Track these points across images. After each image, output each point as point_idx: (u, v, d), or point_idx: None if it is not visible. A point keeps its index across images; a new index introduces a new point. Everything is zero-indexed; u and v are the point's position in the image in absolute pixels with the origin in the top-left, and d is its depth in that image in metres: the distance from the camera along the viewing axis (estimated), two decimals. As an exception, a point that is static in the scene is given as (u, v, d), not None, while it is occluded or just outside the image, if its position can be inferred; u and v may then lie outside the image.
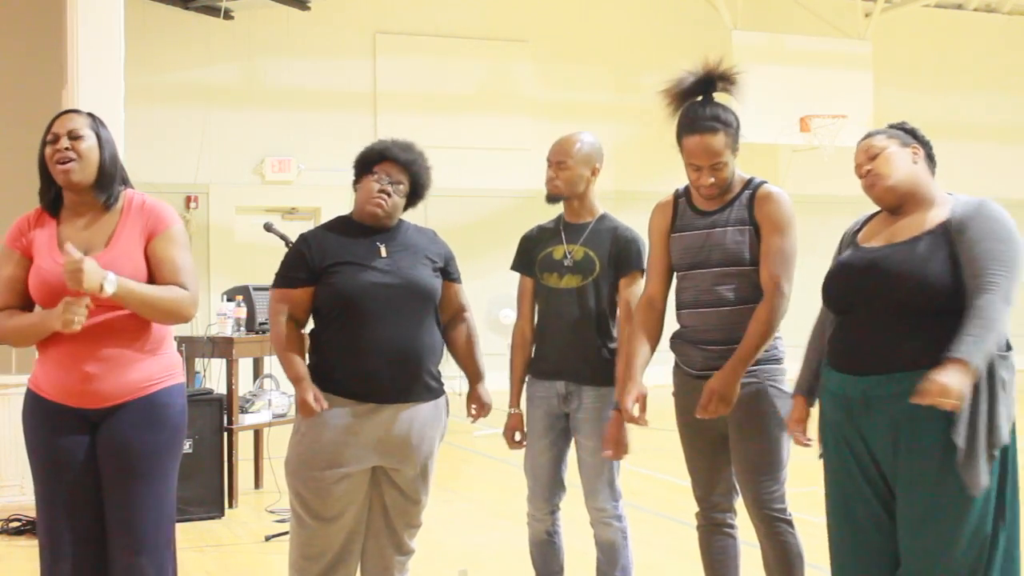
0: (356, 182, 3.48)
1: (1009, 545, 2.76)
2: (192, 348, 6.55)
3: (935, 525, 2.74)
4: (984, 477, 2.69)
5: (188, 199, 12.89)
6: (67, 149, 3.06)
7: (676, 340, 3.49)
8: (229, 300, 6.67)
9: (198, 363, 6.86)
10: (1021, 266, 2.76)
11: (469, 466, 8.29)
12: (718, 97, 3.38)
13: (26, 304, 3.12)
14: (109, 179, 3.12)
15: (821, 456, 3.03)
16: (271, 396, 6.83)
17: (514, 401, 3.91)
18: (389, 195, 3.38)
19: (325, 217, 8.63)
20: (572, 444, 3.86)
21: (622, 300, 3.73)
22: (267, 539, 5.56)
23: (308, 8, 13.47)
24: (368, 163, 3.43)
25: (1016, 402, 2.80)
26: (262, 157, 13.35)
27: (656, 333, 3.52)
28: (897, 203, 2.95)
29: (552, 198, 3.82)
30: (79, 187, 3.09)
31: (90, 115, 3.17)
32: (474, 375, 3.59)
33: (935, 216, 2.89)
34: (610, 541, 3.77)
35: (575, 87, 14.42)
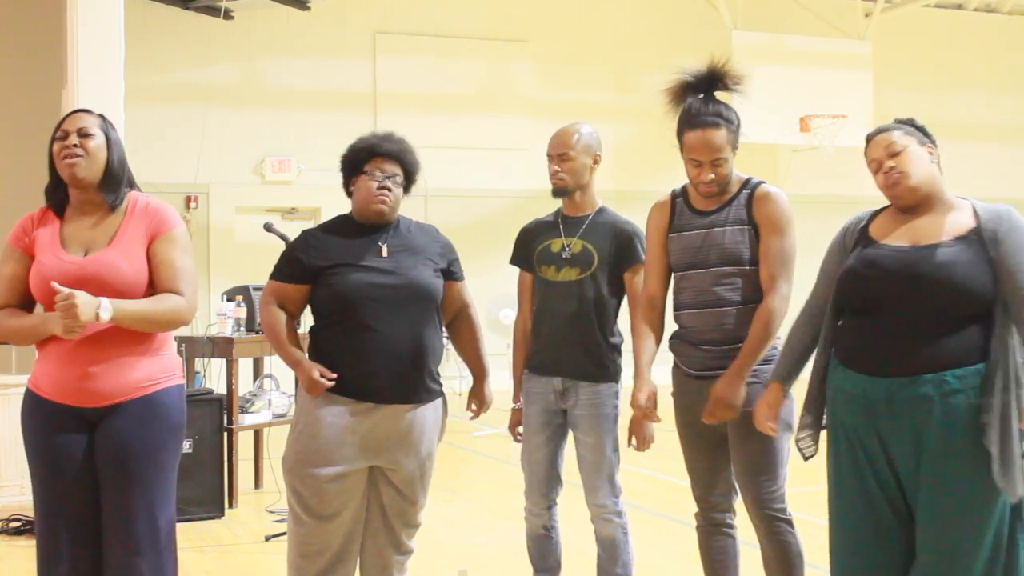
0: (347, 183, 3.47)
1: None
2: (192, 348, 6.55)
3: (961, 528, 2.74)
4: (1021, 483, 2.70)
5: (188, 199, 12.89)
6: (75, 146, 3.07)
7: (675, 340, 3.49)
8: (229, 300, 6.67)
9: (198, 363, 6.86)
10: None
11: (469, 466, 8.29)
12: (719, 96, 3.39)
13: (27, 302, 3.12)
14: (116, 180, 3.13)
15: (832, 452, 2.99)
16: (271, 396, 6.83)
17: (516, 397, 3.91)
18: (390, 189, 3.38)
19: (325, 217, 8.65)
20: (569, 440, 3.86)
21: (631, 292, 3.74)
22: (267, 539, 5.56)
23: (308, 8, 13.47)
24: (358, 163, 3.42)
25: None
26: (262, 157, 13.35)
27: (659, 329, 3.53)
28: (916, 203, 2.92)
29: (558, 192, 3.82)
30: (84, 184, 3.09)
31: (100, 116, 3.20)
32: (478, 371, 3.59)
33: (959, 221, 2.88)
34: (611, 537, 3.77)
35: (575, 87, 14.42)
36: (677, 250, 3.45)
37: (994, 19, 16.68)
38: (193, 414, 5.14)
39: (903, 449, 2.80)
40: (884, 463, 2.84)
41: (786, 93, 13.87)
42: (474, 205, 13.83)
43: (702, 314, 3.38)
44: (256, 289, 6.66)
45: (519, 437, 3.93)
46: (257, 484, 6.94)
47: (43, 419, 3.07)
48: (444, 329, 3.51)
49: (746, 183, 3.42)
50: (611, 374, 3.77)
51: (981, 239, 2.82)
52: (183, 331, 5.05)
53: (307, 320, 3.50)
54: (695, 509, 3.56)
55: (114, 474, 3.05)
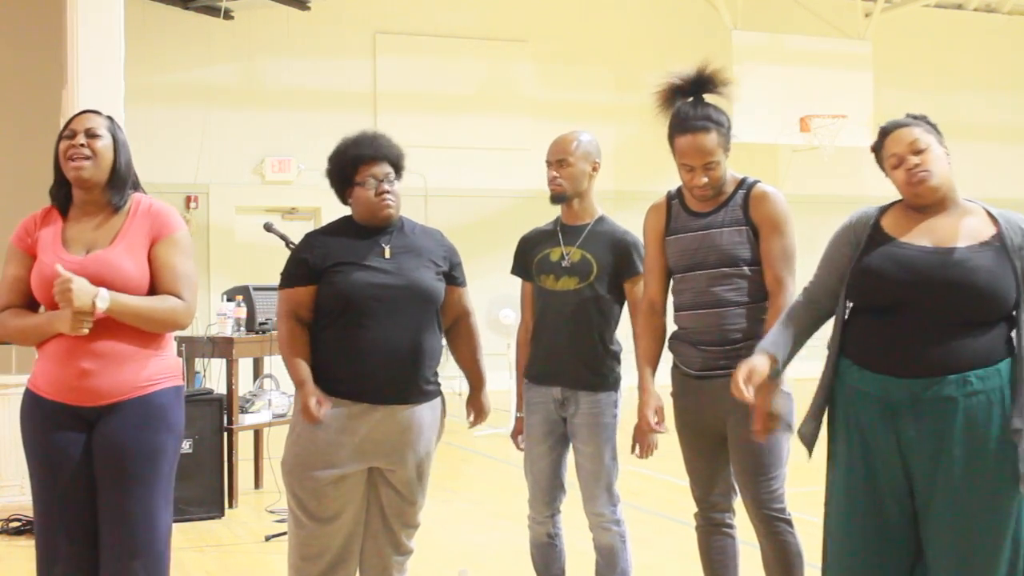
0: (341, 195, 3.47)
1: None
2: (192, 348, 6.55)
3: (981, 529, 2.74)
4: None
5: (188, 199, 12.90)
6: (82, 146, 3.08)
7: (675, 341, 3.50)
8: (229, 300, 6.67)
9: (198, 363, 6.86)
10: None
11: (469, 466, 8.29)
12: (708, 99, 3.39)
13: (30, 303, 3.12)
14: (122, 182, 3.14)
15: (829, 453, 2.97)
16: (271, 396, 6.82)
17: (520, 405, 3.91)
18: (389, 191, 3.38)
19: (325, 217, 8.62)
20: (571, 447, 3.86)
21: (632, 302, 3.74)
22: (267, 539, 5.56)
23: (308, 8, 13.48)
24: (347, 175, 3.42)
25: None
26: (262, 157, 13.36)
27: (661, 336, 3.54)
28: (933, 203, 2.90)
29: (556, 198, 3.81)
30: (89, 185, 3.10)
31: (109, 117, 3.20)
32: (475, 380, 3.59)
33: (978, 225, 2.87)
34: (609, 545, 3.77)
35: (575, 87, 14.42)
36: (675, 253, 3.45)
37: (994, 19, 16.69)
38: (193, 414, 5.16)
39: (922, 450, 2.78)
40: (898, 465, 2.82)
41: (786, 93, 13.89)
42: (474, 205, 13.83)
43: (701, 315, 3.38)
44: (256, 289, 6.66)
45: (522, 446, 3.93)
46: (257, 484, 6.94)
47: (41, 419, 3.07)
48: (443, 333, 3.51)
49: (741, 183, 3.42)
50: (610, 383, 3.76)
51: (1004, 246, 2.82)
52: (183, 331, 5.05)
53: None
54: (695, 509, 3.55)
55: (111, 474, 3.04)
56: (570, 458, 3.85)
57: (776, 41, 14.33)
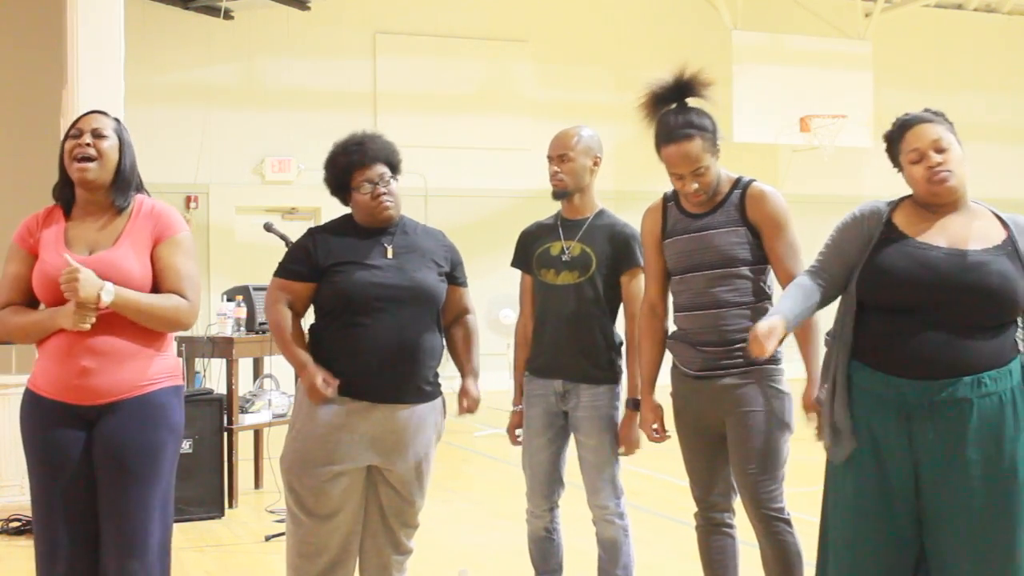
0: (341, 198, 3.47)
1: None
2: (192, 348, 6.55)
3: (998, 527, 2.75)
4: None
5: (188, 199, 12.90)
6: (88, 146, 3.09)
7: (674, 341, 3.50)
8: (229, 300, 6.67)
9: (198, 363, 6.86)
10: None
11: (469, 466, 8.29)
12: (695, 102, 3.39)
13: (30, 302, 3.13)
14: (126, 183, 3.15)
15: (834, 454, 2.94)
16: (271, 396, 6.83)
17: (517, 399, 3.91)
18: (385, 193, 3.38)
19: (325, 217, 8.63)
20: (571, 442, 3.86)
21: (626, 297, 3.74)
22: (267, 539, 5.56)
23: (308, 8, 13.48)
24: (343, 182, 3.42)
25: None
26: (262, 157, 13.36)
27: (662, 338, 3.56)
28: (948, 203, 2.89)
29: (558, 194, 3.82)
30: (94, 185, 3.11)
31: (116, 119, 3.22)
32: (466, 371, 3.53)
33: (989, 228, 2.87)
34: (612, 539, 3.77)
35: (575, 87, 14.42)
36: (672, 255, 3.46)
37: (994, 19, 16.69)
38: (193, 414, 5.16)
39: (937, 452, 2.77)
40: (909, 467, 2.80)
41: (786, 93, 13.89)
42: (474, 205, 13.83)
43: (700, 316, 3.38)
44: (256, 289, 6.66)
45: (518, 440, 3.93)
46: (257, 484, 6.94)
47: (41, 418, 3.07)
48: (444, 333, 3.51)
49: (737, 183, 3.42)
50: (612, 376, 3.77)
51: (1016, 251, 2.83)
52: (184, 331, 5.05)
53: (307, 319, 3.49)
54: (694, 509, 3.56)
55: (111, 474, 3.05)
56: (571, 453, 3.85)
57: (776, 41, 14.32)
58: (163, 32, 12.70)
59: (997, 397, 2.76)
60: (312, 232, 3.47)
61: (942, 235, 2.86)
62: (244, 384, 6.78)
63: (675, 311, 3.49)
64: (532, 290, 3.89)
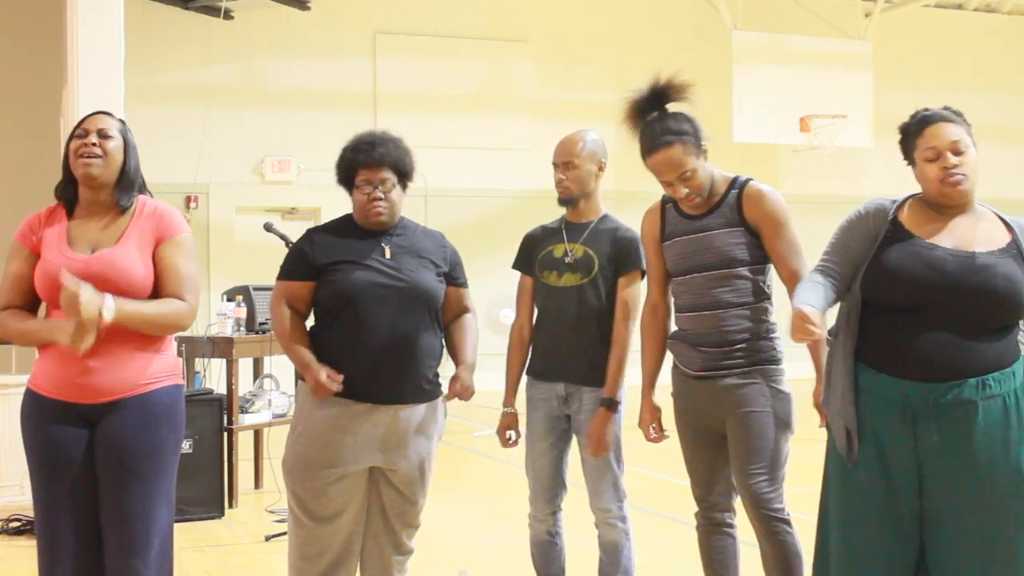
0: (348, 191, 3.47)
1: None
2: (192, 348, 6.55)
3: (1007, 528, 2.75)
4: None
5: (188, 199, 12.90)
6: (94, 144, 3.11)
7: (674, 341, 3.50)
8: (229, 300, 6.67)
9: (198, 363, 6.86)
10: None
11: (469, 466, 8.29)
12: (680, 106, 3.40)
13: (31, 301, 3.13)
14: (130, 183, 3.17)
15: (847, 456, 2.91)
16: (271, 396, 6.83)
17: (508, 400, 3.90)
18: (382, 198, 3.38)
19: (325, 217, 8.62)
20: (573, 445, 3.86)
21: (620, 299, 3.73)
22: (267, 539, 5.56)
23: (308, 8, 13.48)
24: (348, 178, 3.42)
25: None
26: (262, 157, 13.36)
27: (663, 339, 3.56)
28: (956, 205, 2.89)
29: (564, 200, 3.82)
30: (98, 184, 3.12)
31: (121, 120, 3.23)
32: (459, 360, 3.48)
33: (994, 230, 2.87)
34: (614, 542, 3.77)
35: (575, 87, 14.42)
36: (672, 257, 3.46)
37: (994, 19, 16.69)
38: (193, 414, 5.15)
39: (943, 454, 2.77)
40: (914, 469, 2.80)
41: (786, 93, 13.88)
42: (474, 205, 13.83)
43: (700, 316, 3.38)
44: (256, 289, 6.66)
45: (509, 442, 3.92)
46: (257, 484, 6.94)
47: (42, 417, 3.07)
48: (444, 333, 3.50)
49: (733, 182, 3.42)
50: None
51: (1020, 253, 2.83)
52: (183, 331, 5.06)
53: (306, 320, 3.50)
54: (695, 509, 3.56)
55: (113, 473, 3.05)
56: (572, 455, 3.85)
57: (776, 41, 14.32)
58: (163, 32, 12.70)
59: (1001, 399, 2.76)
60: (310, 232, 3.48)
61: (948, 236, 2.85)
62: (244, 384, 6.78)
63: (676, 312, 3.50)
64: (531, 292, 3.89)
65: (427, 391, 3.38)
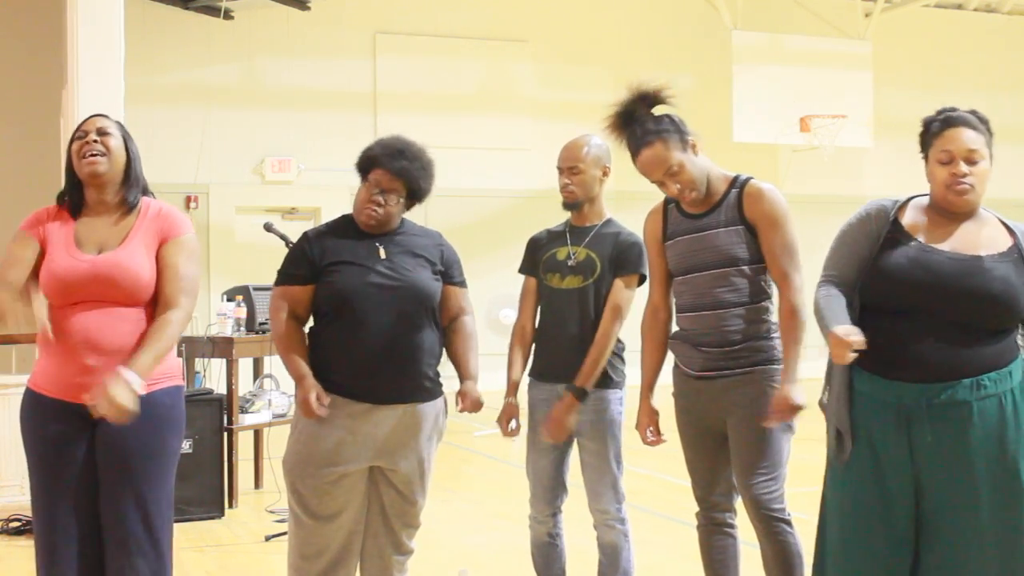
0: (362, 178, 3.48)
1: None
2: (192, 348, 6.54)
3: (1006, 529, 2.74)
4: None
5: (188, 199, 12.90)
6: (95, 142, 3.13)
7: (675, 341, 3.50)
8: (229, 300, 6.67)
9: (198, 363, 6.85)
10: None
11: (469, 466, 8.29)
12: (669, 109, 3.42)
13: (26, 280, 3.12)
14: (136, 179, 3.19)
15: (838, 456, 2.93)
16: (271, 396, 6.83)
17: (511, 392, 3.89)
18: (381, 204, 3.38)
19: (325, 217, 8.63)
20: (574, 446, 3.86)
21: (611, 298, 3.73)
22: (267, 539, 5.56)
23: (308, 8, 13.48)
24: (363, 169, 3.42)
25: None
26: (262, 157, 13.36)
27: (664, 342, 3.56)
28: (960, 212, 2.88)
29: (569, 205, 3.84)
30: (103, 181, 3.13)
31: (117, 122, 3.26)
32: (463, 373, 3.49)
33: (996, 235, 2.87)
34: (613, 543, 3.77)
35: (575, 87, 14.42)
36: (674, 256, 3.47)
37: (994, 19, 16.69)
38: (193, 414, 5.15)
39: (938, 455, 2.77)
40: (908, 471, 2.79)
41: (786, 93, 13.89)
42: (474, 205, 13.83)
43: (701, 316, 3.38)
44: (256, 289, 6.66)
45: (509, 431, 3.89)
46: (257, 484, 6.94)
47: (42, 417, 3.08)
48: (443, 332, 3.50)
49: (734, 181, 3.42)
50: (615, 381, 3.78)
51: (1021, 257, 2.83)
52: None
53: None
54: (695, 509, 3.56)
55: (113, 473, 3.05)
56: (573, 457, 3.85)
57: (776, 41, 14.33)
58: (163, 32, 12.70)
59: (997, 399, 2.75)
60: (307, 234, 3.48)
61: (948, 239, 2.85)
62: (244, 384, 6.78)
63: (677, 312, 3.50)
64: (534, 293, 3.90)
65: (428, 390, 3.38)
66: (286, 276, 3.41)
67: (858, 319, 2.86)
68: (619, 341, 3.80)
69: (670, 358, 3.56)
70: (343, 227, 3.46)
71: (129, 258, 3.06)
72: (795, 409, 3.18)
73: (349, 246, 3.37)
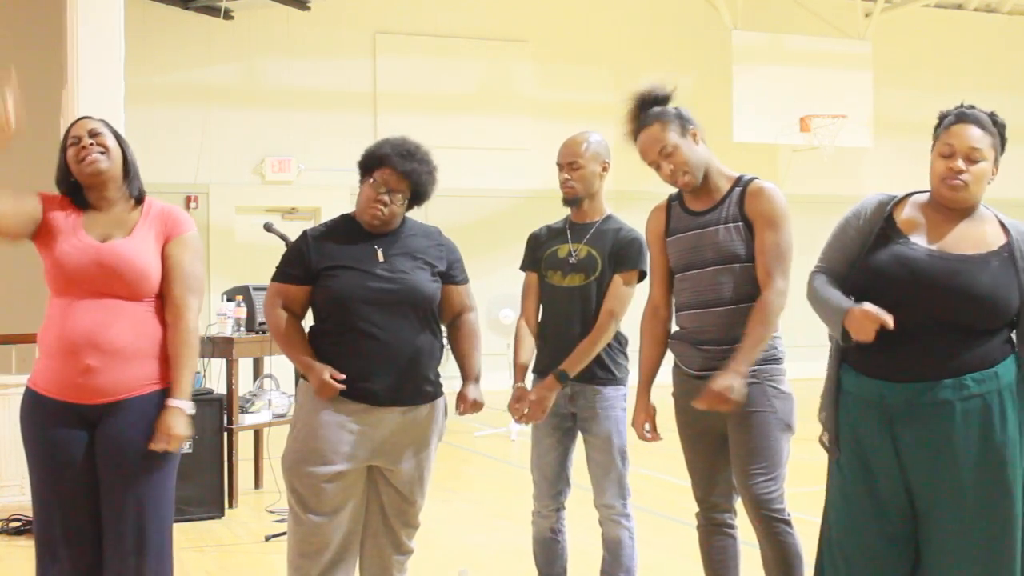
0: (361, 180, 3.48)
1: None
2: (192, 348, 6.52)
3: (992, 531, 2.74)
4: None
5: (188, 199, 12.88)
6: (91, 144, 3.14)
7: (675, 341, 3.50)
8: (229, 300, 6.67)
9: (198, 363, 6.84)
10: None
11: (469, 466, 8.29)
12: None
13: (25, 231, 3.13)
14: (136, 173, 3.22)
15: (835, 458, 2.94)
16: (271, 396, 6.82)
17: (519, 376, 3.87)
18: (386, 204, 3.37)
19: (325, 217, 8.63)
20: (578, 442, 3.86)
21: (609, 293, 3.73)
22: (267, 539, 5.56)
23: (308, 8, 13.47)
24: (369, 167, 3.42)
25: None
26: (262, 157, 13.35)
27: (663, 340, 3.56)
28: (954, 209, 2.88)
29: (569, 201, 3.85)
30: (105, 179, 3.15)
31: (103, 120, 3.27)
32: (467, 374, 3.51)
33: (990, 233, 2.86)
34: (616, 539, 3.78)
35: (575, 87, 14.41)
36: (675, 252, 3.47)
37: (994, 19, 16.68)
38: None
39: (921, 455, 2.77)
40: (896, 471, 2.80)
41: (786, 93, 13.88)
42: (474, 205, 13.82)
43: (700, 314, 3.38)
44: (256, 289, 6.66)
45: (520, 417, 3.86)
46: (257, 484, 6.94)
47: (42, 417, 3.08)
48: (443, 331, 3.50)
49: (737, 180, 3.43)
50: (618, 377, 3.79)
51: (1012, 256, 2.81)
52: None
53: (307, 321, 3.50)
54: (695, 509, 3.56)
55: (113, 473, 3.05)
56: (578, 454, 3.86)
57: (776, 41, 14.32)
58: (163, 32, 12.69)
59: (981, 399, 2.74)
60: (306, 234, 3.47)
61: (939, 237, 2.84)
62: (244, 384, 6.78)
63: (677, 310, 3.50)
64: (536, 289, 3.90)
65: (427, 391, 3.38)
66: (283, 274, 3.41)
67: None
68: (623, 336, 3.81)
69: (669, 357, 3.56)
70: (343, 227, 3.45)
71: (135, 250, 3.09)
72: (725, 402, 3.16)
73: (348, 248, 3.37)
